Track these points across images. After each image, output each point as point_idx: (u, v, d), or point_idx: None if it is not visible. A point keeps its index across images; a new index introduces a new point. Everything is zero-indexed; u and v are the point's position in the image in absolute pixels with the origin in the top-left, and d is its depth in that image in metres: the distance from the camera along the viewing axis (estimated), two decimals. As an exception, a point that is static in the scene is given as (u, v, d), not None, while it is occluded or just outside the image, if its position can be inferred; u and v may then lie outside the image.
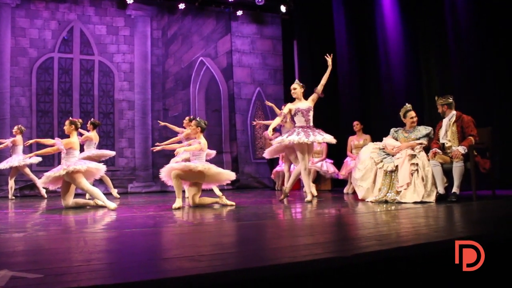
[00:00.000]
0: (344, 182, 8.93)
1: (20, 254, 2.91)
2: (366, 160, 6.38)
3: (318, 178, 9.44)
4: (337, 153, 9.36)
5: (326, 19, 10.54)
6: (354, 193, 7.28)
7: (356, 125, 8.59)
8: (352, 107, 10.03)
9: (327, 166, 9.31)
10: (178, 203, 5.85)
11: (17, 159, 8.46)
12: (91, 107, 10.31)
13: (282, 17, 11.54)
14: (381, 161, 6.21)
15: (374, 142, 6.74)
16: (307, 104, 6.85)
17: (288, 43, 11.56)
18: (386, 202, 5.93)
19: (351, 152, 8.57)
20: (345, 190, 8.44)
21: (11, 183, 8.57)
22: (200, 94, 10.95)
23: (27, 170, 8.68)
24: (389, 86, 9.47)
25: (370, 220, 4.30)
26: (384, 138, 6.50)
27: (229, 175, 6.30)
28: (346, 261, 2.40)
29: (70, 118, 6.53)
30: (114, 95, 10.48)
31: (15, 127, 8.67)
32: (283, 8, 11.28)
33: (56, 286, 2.05)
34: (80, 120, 6.74)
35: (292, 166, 8.72)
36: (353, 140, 8.61)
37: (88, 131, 8.26)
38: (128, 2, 10.41)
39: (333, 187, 9.52)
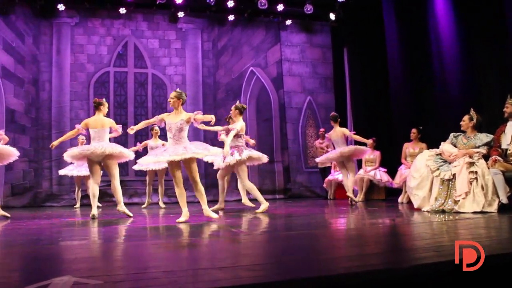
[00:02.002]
0: (398, 191, 8.69)
1: (81, 261, 3.01)
2: (421, 168, 6.17)
3: (372, 187, 9.24)
4: (391, 161, 9.15)
5: (376, 24, 10.37)
6: (409, 202, 7.07)
7: (414, 132, 8.31)
8: (405, 113, 9.78)
9: (381, 175, 9.11)
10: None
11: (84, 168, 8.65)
12: (145, 118, 10.56)
13: (332, 25, 11.45)
14: (438, 169, 5.98)
15: (429, 149, 6.52)
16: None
17: (338, 51, 11.45)
18: (443, 212, 5.71)
19: (406, 160, 8.33)
20: (399, 200, 8.21)
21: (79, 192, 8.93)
22: (251, 104, 11.02)
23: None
24: (443, 91, 9.14)
25: (427, 230, 4.16)
26: (442, 143, 6.25)
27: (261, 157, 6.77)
28: (402, 273, 2.33)
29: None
30: (167, 107, 10.71)
31: (81, 137, 8.74)
32: (332, 16, 11.21)
33: (115, 293, 2.11)
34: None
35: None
36: (408, 148, 8.35)
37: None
38: (179, 16, 10.67)
39: (387, 196, 9.28)
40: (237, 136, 6.72)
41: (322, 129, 10.10)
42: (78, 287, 2.14)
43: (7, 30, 9.84)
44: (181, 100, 5.87)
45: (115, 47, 10.59)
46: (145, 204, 8.76)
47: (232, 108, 6.89)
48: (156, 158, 5.73)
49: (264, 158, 6.99)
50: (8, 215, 6.63)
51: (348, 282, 2.25)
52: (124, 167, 9.81)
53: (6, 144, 6.73)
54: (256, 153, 6.85)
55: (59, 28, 10.31)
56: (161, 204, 8.72)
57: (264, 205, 6.57)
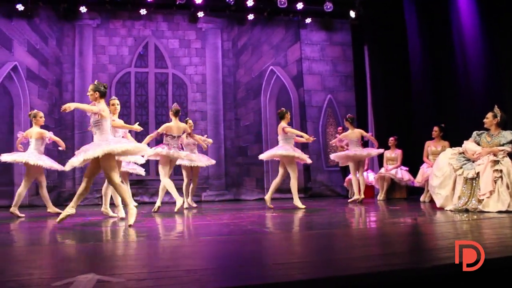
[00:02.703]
0: (420, 190, 8.60)
1: (104, 259, 3.05)
2: (444, 166, 6.09)
3: (393, 186, 9.16)
4: (412, 160, 9.04)
5: (397, 21, 10.25)
6: (432, 201, 6.99)
7: (435, 130, 8.20)
8: (427, 111, 9.65)
9: (402, 173, 9.03)
10: None
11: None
12: (165, 118, 10.66)
13: (352, 22, 11.36)
14: (461, 168, 5.89)
15: (452, 148, 6.42)
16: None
17: (359, 48, 11.36)
18: (467, 211, 5.63)
19: (428, 158, 8.23)
20: (421, 198, 8.11)
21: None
22: (271, 103, 11.01)
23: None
24: (466, 87, 8.98)
25: (450, 230, 4.11)
26: (464, 142, 6.15)
27: None
28: (425, 273, 2.30)
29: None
30: (187, 106, 10.80)
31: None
32: (352, 14, 11.12)
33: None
34: None
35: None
36: (430, 146, 8.24)
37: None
38: (199, 16, 10.72)
39: (409, 195, 9.19)
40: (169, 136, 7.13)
41: (340, 128, 10.04)
42: (101, 285, 2.17)
43: (31, 33, 10.03)
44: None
45: (136, 47, 10.70)
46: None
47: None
48: None
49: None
50: (22, 215, 6.79)
51: (369, 282, 2.23)
52: (145, 166, 9.90)
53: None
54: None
55: (81, 30, 10.46)
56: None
57: (179, 201, 6.71)
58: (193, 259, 3.01)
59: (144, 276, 2.44)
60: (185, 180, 8.37)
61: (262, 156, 7.82)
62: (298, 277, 2.28)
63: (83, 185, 5.07)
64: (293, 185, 7.44)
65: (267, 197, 7.53)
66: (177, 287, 2.21)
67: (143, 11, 10.46)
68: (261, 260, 2.86)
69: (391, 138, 9.33)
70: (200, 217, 6.27)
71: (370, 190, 9.89)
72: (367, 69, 11.26)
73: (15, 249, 3.86)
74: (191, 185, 8.44)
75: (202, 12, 10.68)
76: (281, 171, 7.55)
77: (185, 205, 7.93)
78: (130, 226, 4.81)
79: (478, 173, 5.69)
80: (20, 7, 9.73)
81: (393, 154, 9.23)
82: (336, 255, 2.99)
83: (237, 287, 2.15)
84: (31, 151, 6.96)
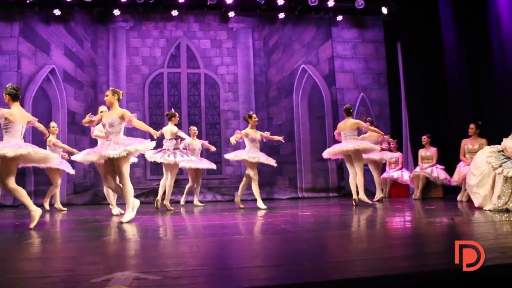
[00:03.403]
0: (457, 189, 8.40)
1: (141, 257, 3.10)
2: (482, 165, 5.92)
3: (428, 185, 8.99)
4: (448, 158, 8.85)
5: (431, 16, 10.04)
6: (469, 200, 6.82)
7: (472, 128, 8.00)
8: (463, 108, 9.42)
9: (438, 172, 8.85)
10: None
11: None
12: (198, 118, 10.79)
13: (384, 19, 11.18)
14: (500, 166, 5.71)
15: (491, 146, 6.24)
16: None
17: (391, 45, 11.17)
18: (507, 211, 5.45)
19: (464, 157, 8.04)
20: (458, 198, 7.93)
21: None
22: (303, 101, 10.96)
23: None
24: (505, 84, 8.69)
25: (490, 230, 4.00)
26: (504, 139, 5.97)
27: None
28: (462, 275, 2.24)
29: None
30: (219, 106, 10.87)
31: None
32: (384, 10, 10.95)
33: (173, 289, 2.16)
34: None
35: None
36: (467, 144, 8.05)
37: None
38: (230, 16, 10.76)
39: (445, 195, 8.99)
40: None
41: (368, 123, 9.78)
42: (138, 282, 2.21)
43: (67, 37, 10.31)
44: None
45: (168, 48, 10.83)
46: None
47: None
48: None
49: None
50: (65, 209, 7.01)
51: (406, 283, 2.20)
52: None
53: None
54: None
55: (115, 32, 10.66)
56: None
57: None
58: (227, 258, 3.03)
59: (179, 274, 2.47)
60: (190, 182, 8.80)
61: (327, 154, 7.87)
62: (333, 277, 2.26)
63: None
64: (361, 181, 7.38)
65: (362, 196, 7.34)
66: (212, 285, 2.23)
67: (174, 12, 10.58)
68: (295, 259, 2.85)
69: (424, 137, 9.17)
70: (233, 216, 6.30)
71: (404, 189, 9.74)
72: (400, 66, 11.07)
73: (56, 246, 3.97)
74: (195, 186, 8.82)
75: (233, 12, 10.72)
76: (352, 169, 7.52)
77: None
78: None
79: (518, 172, 5.52)
80: (57, 12, 10.05)
81: (428, 152, 9.06)
82: (371, 255, 2.95)
83: (272, 286, 2.15)
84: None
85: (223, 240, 3.90)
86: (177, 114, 8.02)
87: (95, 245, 3.82)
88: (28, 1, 9.73)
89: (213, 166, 8.88)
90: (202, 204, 8.71)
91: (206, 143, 8.94)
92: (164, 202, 7.76)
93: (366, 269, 2.44)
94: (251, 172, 7.47)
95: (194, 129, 8.94)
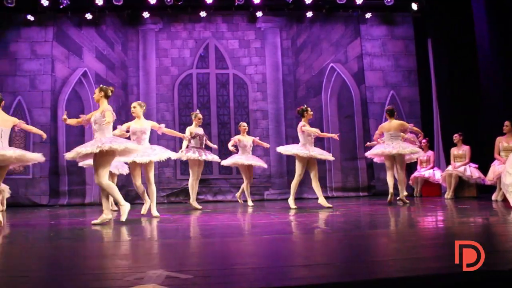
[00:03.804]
0: (491, 188, 8.20)
1: (172, 257, 3.14)
2: (518, 163, 5.76)
3: (461, 184, 8.80)
4: (482, 157, 8.65)
5: (463, 12, 9.82)
6: (505, 200, 6.64)
7: (507, 125, 7.80)
8: (497, 105, 9.18)
9: (471, 171, 8.65)
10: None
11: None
12: (227, 118, 10.84)
13: (414, 15, 11.00)
14: (537, 164, 5.55)
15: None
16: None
17: (422, 42, 10.98)
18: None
19: (499, 155, 7.84)
20: (493, 197, 7.73)
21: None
22: (332, 100, 10.89)
23: None
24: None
25: (526, 230, 3.90)
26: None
27: None
28: (498, 276, 2.20)
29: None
30: (248, 105, 10.90)
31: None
32: (414, 6, 10.77)
33: (205, 287, 2.18)
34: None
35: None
36: (501, 142, 7.85)
37: None
38: (257, 16, 10.78)
39: (479, 194, 8.78)
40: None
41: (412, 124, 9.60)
42: (170, 281, 2.24)
43: (99, 40, 10.55)
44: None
45: (197, 49, 10.93)
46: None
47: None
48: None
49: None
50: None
51: (438, 283, 2.16)
52: (209, 165, 10.11)
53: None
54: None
55: (145, 34, 10.83)
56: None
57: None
58: (258, 257, 3.04)
59: (211, 273, 2.49)
60: (245, 180, 8.59)
61: (371, 155, 7.87)
62: (365, 277, 2.24)
63: None
64: (402, 181, 7.44)
65: (402, 196, 7.37)
66: (244, 285, 2.24)
67: (203, 14, 10.68)
68: (327, 259, 2.84)
69: (455, 135, 8.99)
70: (263, 215, 6.31)
71: (436, 189, 9.57)
72: (431, 63, 10.87)
73: (90, 245, 4.06)
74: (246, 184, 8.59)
75: (260, 11, 10.74)
76: (392, 169, 7.51)
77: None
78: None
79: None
80: (88, 16, 10.33)
81: (460, 151, 8.88)
82: (402, 255, 2.92)
83: (302, 286, 2.15)
84: None
85: (254, 240, 3.91)
86: (198, 114, 8.06)
87: (127, 244, 3.89)
88: (61, 6, 9.98)
89: (263, 164, 8.66)
90: (252, 204, 8.45)
91: (257, 139, 8.76)
92: (190, 201, 7.84)
93: (398, 270, 2.42)
94: (297, 167, 7.35)
95: (244, 125, 8.66)
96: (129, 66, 10.75)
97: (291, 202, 7.44)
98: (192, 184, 7.82)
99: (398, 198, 7.51)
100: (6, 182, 9.07)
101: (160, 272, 2.38)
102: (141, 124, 6.60)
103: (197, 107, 10.60)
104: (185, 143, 7.87)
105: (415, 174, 9.53)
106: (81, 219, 6.56)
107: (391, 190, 7.37)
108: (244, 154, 8.40)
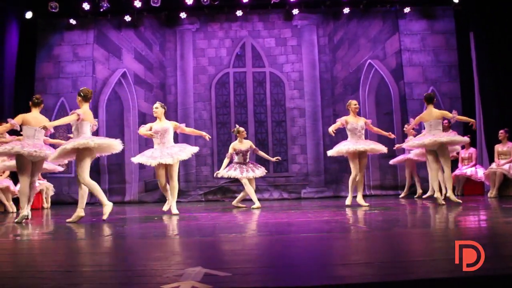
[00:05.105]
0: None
1: (210, 254, 3.18)
2: None
3: (506, 182, 8.52)
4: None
5: (506, 4, 9.50)
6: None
7: None
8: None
9: (516, 169, 8.38)
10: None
11: None
12: (264, 116, 10.86)
13: (455, 8, 10.69)
14: None
15: None
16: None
17: (463, 36, 10.66)
18: None
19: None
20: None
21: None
22: (370, 97, 10.74)
23: None
24: None
25: None
26: None
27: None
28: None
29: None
30: (285, 103, 10.88)
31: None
32: (455, -1, 10.48)
33: (243, 285, 2.19)
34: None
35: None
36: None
37: None
38: (294, 13, 10.75)
39: (525, 192, 8.49)
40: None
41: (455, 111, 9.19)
42: (209, 278, 2.26)
43: (137, 41, 10.78)
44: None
45: (234, 48, 10.99)
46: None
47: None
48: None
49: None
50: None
51: (480, 285, 2.10)
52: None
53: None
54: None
55: (182, 34, 10.97)
56: None
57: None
58: (296, 256, 3.03)
59: (249, 271, 2.50)
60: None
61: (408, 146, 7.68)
62: (401, 278, 2.21)
63: None
64: (449, 178, 6.77)
65: (450, 194, 6.73)
66: (281, 283, 2.24)
67: (239, 13, 10.73)
68: (363, 258, 2.81)
69: (501, 131, 8.71)
70: (301, 214, 6.29)
71: (479, 187, 9.30)
72: (473, 57, 10.55)
73: (131, 242, 4.15)
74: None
75: (296, 9, 10.70)
76: (435, 165, 6.80)
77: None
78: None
79: None
80: (127, 18, 10.57)
81: (505, 148, 8.60)
82: (442, 255, 2.85)
83: (340, 285, 2.13)
84: None
85: (290, 238, 3.91)
86: (239, 128, 8.04)
87: (165, 242, 3.96)
88: (101, 10, 10.24)
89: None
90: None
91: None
92: (233, 203, 8.03)
93: (437, 270, 2.37)
94: (350, 164, 7.19)
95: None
96: (167, 66, 10.92)
97: (348, 199, 7.25)
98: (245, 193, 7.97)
99: (444, 196, 7.12)
100: (51, 180, 9.43)
101: (198, 269, 2.41)
102: (162, 125, 6.83)
103: (234, 106, 10.67)
104: (225, 162, 7.96)
105: (456, 172, 9.30)
106: (121, 216, 6.71)
107: (436, 192, 6.75)
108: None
